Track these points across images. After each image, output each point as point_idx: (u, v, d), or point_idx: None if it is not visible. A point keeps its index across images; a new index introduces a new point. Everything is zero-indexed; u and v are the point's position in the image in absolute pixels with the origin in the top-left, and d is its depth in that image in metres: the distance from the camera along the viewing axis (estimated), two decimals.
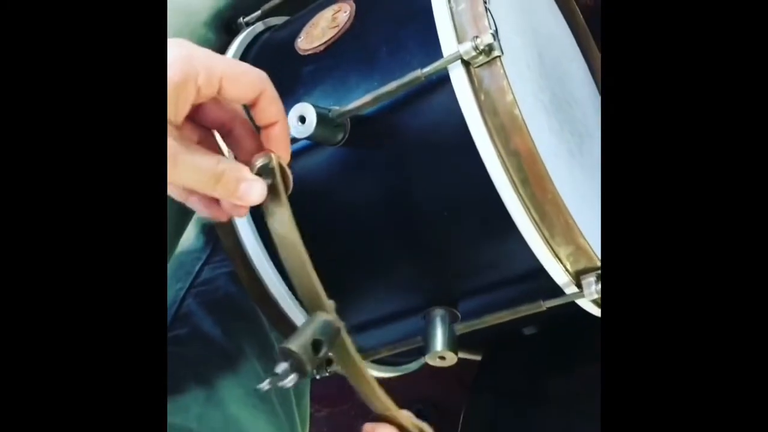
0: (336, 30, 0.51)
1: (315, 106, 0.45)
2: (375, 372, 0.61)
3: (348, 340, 0.38)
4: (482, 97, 0.43)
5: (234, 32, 0.62)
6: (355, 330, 0.57)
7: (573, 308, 0.50)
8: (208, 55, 0.36)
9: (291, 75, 0.52)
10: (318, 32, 0.52)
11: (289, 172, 0.39)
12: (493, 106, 0.42)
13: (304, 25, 0.55)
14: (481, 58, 0.42)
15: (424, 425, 0.42)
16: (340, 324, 0.38)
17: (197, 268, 0.79)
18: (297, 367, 0.34)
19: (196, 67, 0.35)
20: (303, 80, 0.51)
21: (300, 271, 0.38)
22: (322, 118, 0.45)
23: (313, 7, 0.57)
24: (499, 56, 0.42)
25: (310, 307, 0.38)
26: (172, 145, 0.35)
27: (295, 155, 0.46)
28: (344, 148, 0.48)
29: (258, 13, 0.62)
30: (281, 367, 0.34)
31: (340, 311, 0.47)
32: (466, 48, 0.42)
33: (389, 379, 0.64)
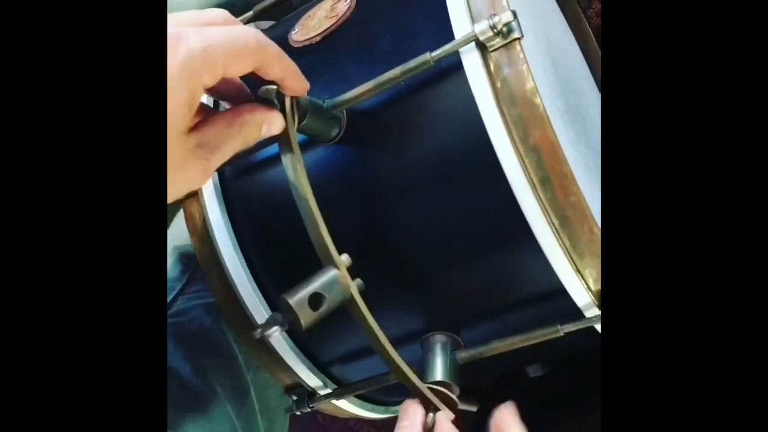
0: (334, 20, 0.46)
1: (307, 97, 0.40)
2: (361, 412, 0.54)
3: (361, 302, 0.36)
4: (498, 85, 0.38)
5: None
6: (339, 361, 0.50)
7: (589, 340, 0.44)
8: (204, 45, 0.31)
9: None
10: (314, 23, 0.47)
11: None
12: (510, 94, 0.37)
13: (299, 18, 0.50)
14: (498, 41, 0.37)
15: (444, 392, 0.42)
16: (350, 282, 0.35)
17: (171, 297, 0.73)
18: (290, 320, 0.33)
19: (199, 72, 0.31)
20: None
21: (309, 219, 0.36)
22: (314, 109, 0.40)
23: (311, 4, 0.53)
24: (519, 38, 0.37)
25: (323, 261, 0.36)
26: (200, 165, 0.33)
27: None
28: (339, 146, 0.43)
29: (250, 13, 0.58)
30: (272, 317, 0.33)
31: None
32: (482, 27, 0.37)
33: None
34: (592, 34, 0.65)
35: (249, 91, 0.38)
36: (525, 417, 0.63)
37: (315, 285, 0.34)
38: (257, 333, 0.35)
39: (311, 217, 0.36)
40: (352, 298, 0.36)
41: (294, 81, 0.37)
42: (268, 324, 0.34)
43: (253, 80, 0.36)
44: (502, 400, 0.67)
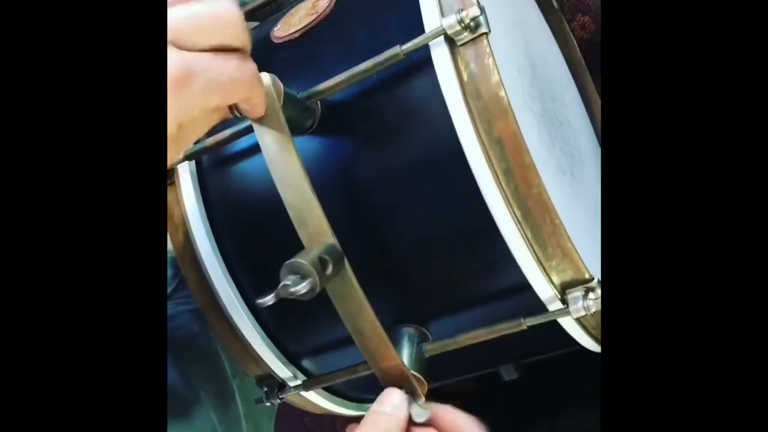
0: (314, 16, 0.47)
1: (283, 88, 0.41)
2: (332, 406, 0.55)
3: (350, 270, 0.37)
4: (465, 78, 0.39)
5: None
6: (309, 353, 0.51)
7: (558, 335, 0.44)
8: (208, 80, 0.32)
9: (262, 64, 0.47)
10: (295, 20, 0.49)
11: (279, 81, 0.39)
12: (476, 87, 0.38)
13: (282, 17, 0.51)
14: (466, 35, 0.38)
15: (419, 376, 0.42)
16: (342, 251, 0.37)
17: None
18: (307, 278, 0.33)
19: (193, 107, 0.32)
20: (275, 67, 0.46)
21: (299, 196, 0.37)
22: (288, 99, 0.41)
23: (293, 3, 0.54)
24: (486, 33, 0.38)
25: (310, 236, 0.37)
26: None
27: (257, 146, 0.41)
28: (313, 137, 0.44)
29: None
30: (290, 278, 0.33)
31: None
32: (450, 21, 0.38)
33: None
34: (576, 45, 0.66)
35: None
36: (501, 420, 0.63)
37: (319, 250, 0.35)
38: (269, 299, 0.34)
39: (302, 191, 0.37)
40: (344, 269, 0.37)
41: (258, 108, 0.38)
42: (295, 283, 0.34)
43: None
44: (481, 404, 0.67)
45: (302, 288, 0.33)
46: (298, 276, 0.34)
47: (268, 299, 0.34)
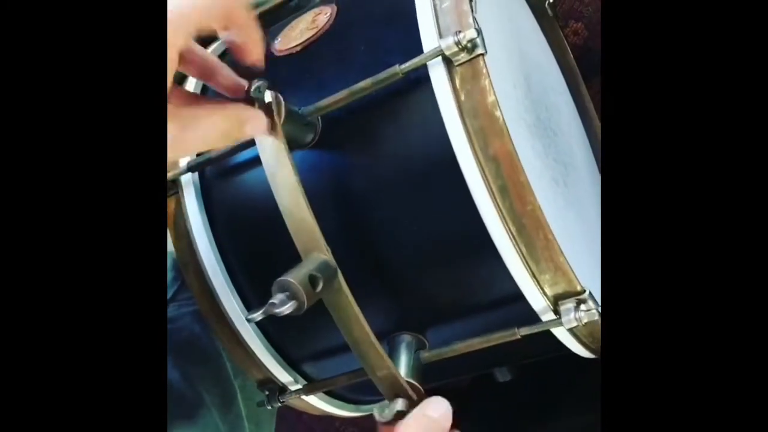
0: (315, 31, 0.48)
1: (285, 104, 0.42)
2: (331, 409, 0.56)
3: (344, 283, 0.38)
4: (462, 97, 0.40)
5: (209, 41, 0.59)
6: (310, 358, 0.52)
7: (551, 343, 0.46)
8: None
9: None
10: (296, 34, 0.49)
11: (281, 97, 0.40)
12: (473, 107, 0.40)
13: (282, 29, 0.52)
14: (463, 56, 0.40)
15: (414, 383, 0.42)
16: (336, 266, 0.37)
17: None
18: (294, 298, 0.34)
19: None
20: (276, 81, 0.48)
21: (295, 209, 0.38)
22: (290, 115, 0.42)
23: (294, 16, 0.55)
24: (482, 54, 0.39)
25: (305, 250, 0.38)
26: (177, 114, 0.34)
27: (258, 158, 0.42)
28: (313, 151, 0.45)
29: None
30: (278, 297, 0.34)
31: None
32: (448, 43, 0.39)
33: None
34: (569, 50, 0.67)
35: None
36: (494, 421, 0.65)
37: (310, 267, 0.36)
38: (257, 316, 0.35)
39: (298, 205, 0.38)
40: (338, 283, 0.38)
41: (250, 47, 0.38)
42: (282, 303, 0.34)
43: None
44: (474, 405, 0.69)
45: (287, 308, 0.34)
46: (286, 295, 0.35)
47: (256, 316, 0.35)
